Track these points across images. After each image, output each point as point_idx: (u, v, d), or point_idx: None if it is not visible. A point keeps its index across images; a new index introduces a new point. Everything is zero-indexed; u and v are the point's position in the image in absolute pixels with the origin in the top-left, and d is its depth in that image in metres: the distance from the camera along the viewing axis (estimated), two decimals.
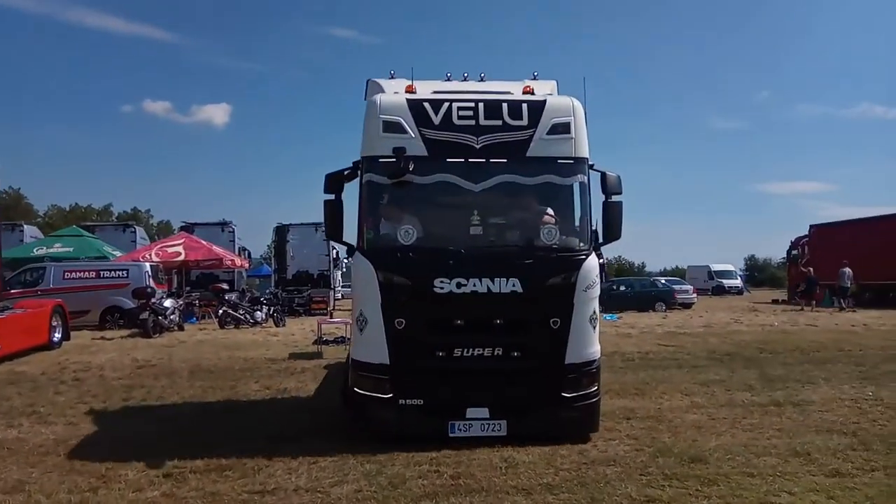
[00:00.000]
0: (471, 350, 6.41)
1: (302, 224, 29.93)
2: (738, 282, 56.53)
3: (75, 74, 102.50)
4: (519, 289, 6.38)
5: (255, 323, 21.79)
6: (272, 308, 23.13)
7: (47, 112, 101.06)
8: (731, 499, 5.10)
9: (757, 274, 79.70)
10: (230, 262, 25.36)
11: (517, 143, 6.63)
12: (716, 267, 56.40)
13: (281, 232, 30.16)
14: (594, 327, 6.66)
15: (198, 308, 24.26)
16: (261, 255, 44.37)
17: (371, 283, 6.43)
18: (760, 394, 9.36)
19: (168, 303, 19.88)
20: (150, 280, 21.01)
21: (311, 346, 15.32)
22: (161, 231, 60.88)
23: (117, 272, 21.30)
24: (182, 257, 23.31)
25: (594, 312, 6.66)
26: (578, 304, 6.52)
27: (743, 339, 16.57)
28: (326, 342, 15.25)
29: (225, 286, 23.83)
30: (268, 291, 27.60)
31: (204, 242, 24.89)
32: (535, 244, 6.73)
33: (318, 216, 31.92)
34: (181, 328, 20.20)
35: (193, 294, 24.85)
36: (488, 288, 6.37)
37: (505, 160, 6.63)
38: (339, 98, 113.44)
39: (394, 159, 6.46)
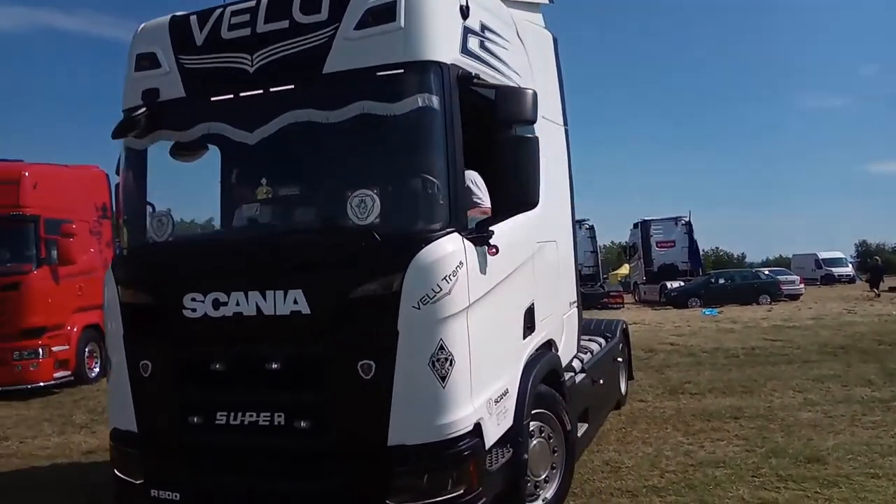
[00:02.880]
0: (237, 415, 3.74)
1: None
2: (849, 269, 52.80)
3: None
4: (303, 308, 3.56)
5: None
6: None
7: None
8: (854, 501, 4.79)
9: (869, 260, 74.34)
10: None
11: (310, 53, 3.73)
12: (823, 255, 52.75)
13: None
14: (450, 372, 3.45)
15: None
16: None
17: (113, 304, 4.17)
18: (881, 389, 8.71)
19: None
20: None
21: None
22: None
23: None
24: None
25: (453, 344, 3.48)
26: (408, 333, 3.42)
27: (858, 330, 15.48)
28: None
29: None
30: None
31: None
32: (336, 228, 3.77)
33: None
34: None
35: None
36: (258, 308, 3.65)
37: (292, 86, 3.87)
38: None
39: (143, 109, 4.11)
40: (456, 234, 3.55)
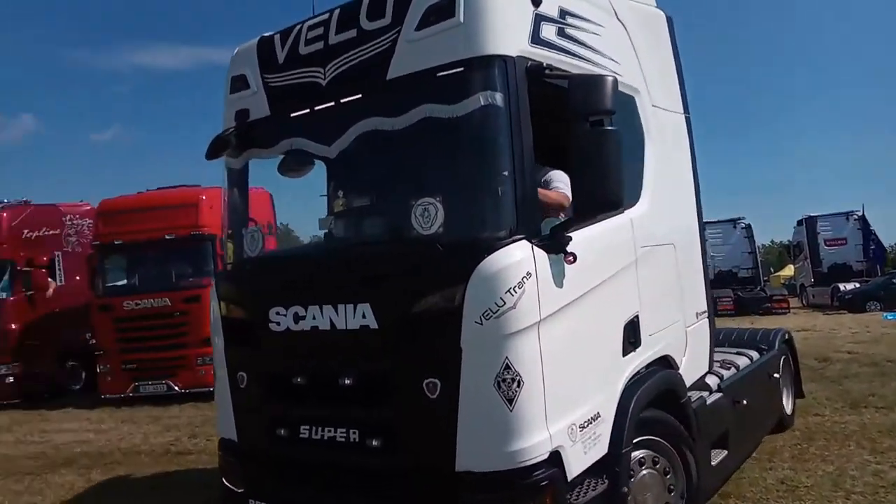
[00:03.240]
0: (318, 429, 3.70)
1: (720, 221, 28.42)
2: None
3: None
4: (371, 322, 3.45)
5: None
6: None
7: None
8: None
9: None
10: None
11: (374, 60, 3.63)
12: None
13: None
14: (517, 393, 3.14)
15: None
16: None
17: (215, 318, 4.30)
18: None
19: None
20: None
21: None
22: None
23: None
24: None
25: (520, 362, 3.16)
26: (471, 351, 3.18)
27: None
28: None
29: None
30: None
31: None
32: (400, 239, 3.68)
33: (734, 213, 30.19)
34: None
35: None
36: (331, 322, 3.60)
37: (359, 95, 3.76)
38: None
39: (232, 129, 4.28)
40: (524, 242, 3.23)
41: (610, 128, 3.34)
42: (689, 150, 5.12)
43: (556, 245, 3.33)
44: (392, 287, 3.42)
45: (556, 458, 3.22)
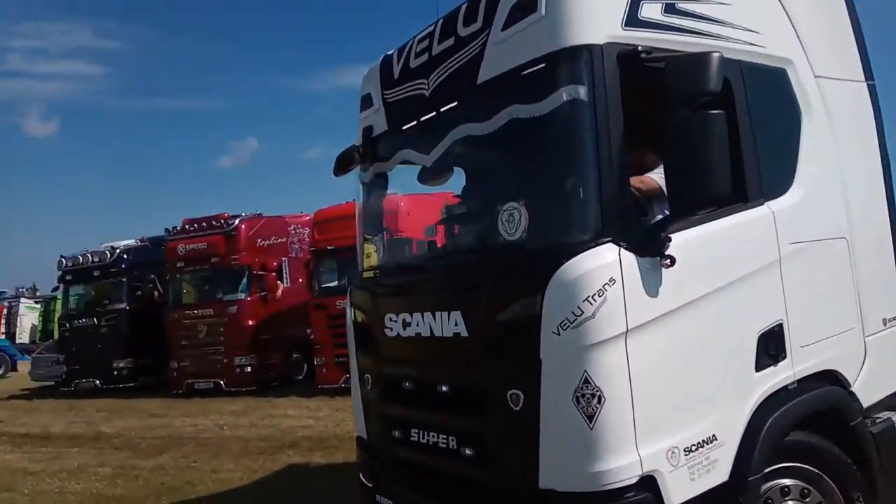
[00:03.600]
0: (425, 434, 3.74)
1: None
2: None
3: None
4: (462, 330, 3.42)
5: None
6: None
7: None
8: None
9: None
10: None
11: (467, 66, 3.58)
12: None
13: None
14: (598, 410, 2.91)
15: None
16: None
17: (349, 322, 4.57)
18: None
19: None
20: None
21: None
22: None
23: None
24: None
25: (601, 377, 2.93)
26: (550, 362, 3.01)
27: None
28: None
29: None
30: None
31: None
32: (488, 246, 3.68)
33: None
34: None
35: None
36: (430, 329, 3.61)
37: (455, 103, 3.73)
38: None
39: (353, 146, 4.53)
40: (610, 245, 2.97)
41: (714, 111, 2.99)
42: (874, 123, 4.38)
43: (650, 247, 3.02)
44: (480, 295, 3.37)
45: (649, 482, 2.96)
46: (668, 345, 3.07)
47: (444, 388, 3.58)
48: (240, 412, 12.49)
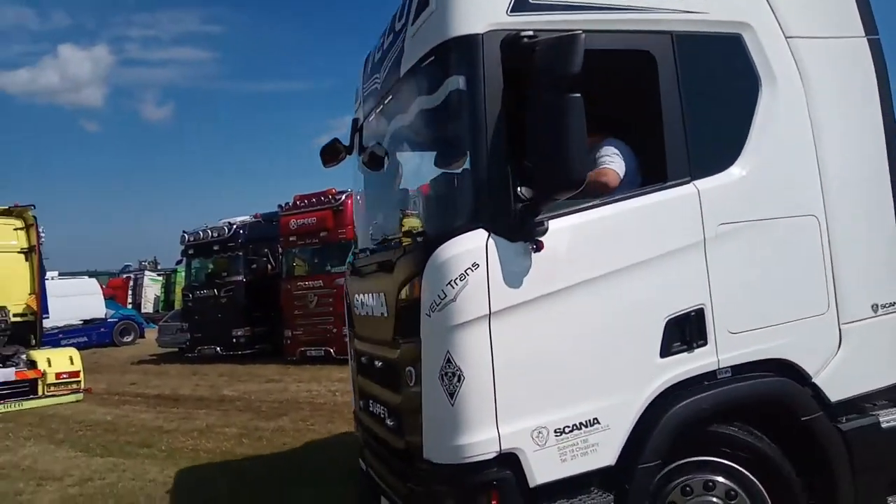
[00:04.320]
0: (372, 405, 4.06)
1: None
2: None
3: None
4: (384, 310, 3.67)
5: None
6: None
7: None
8: None
9: None
10: None
11: (396, 60, 3.71)
12: None
13: None
14: (458, 388, 2.99)
15: None
16: None
17: (346, 305, 4.85)
18: None
19: None
20: None
21: None
22: None
23: None
24: None
25: (461, 357, 3.00)
26: (425, 342, 3.15)
27: None
28: None
29: None
30: None
31: None
32: (402, 231, 3.82)
33: None
34: None
35: None
36: (371, 309, 3.90)
37: (390, 95, 3.94)
38: None
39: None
40: (480, 231, 3.02)
41: (570, 94, 2.86)
42: (874, 83, 3.83)
43: (521, 233, 3.02)
44: (391, 278, 3.51)
45: (510, 459, 3.00)
46: (540, 328, 3.07)
47: (377, 364, 3.87)
48: (348, 379, 12.90)
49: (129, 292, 36.91)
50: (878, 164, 3.80)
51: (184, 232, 19.25)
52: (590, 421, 3.11)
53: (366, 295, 3.97)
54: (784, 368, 3.49)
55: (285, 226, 16.34)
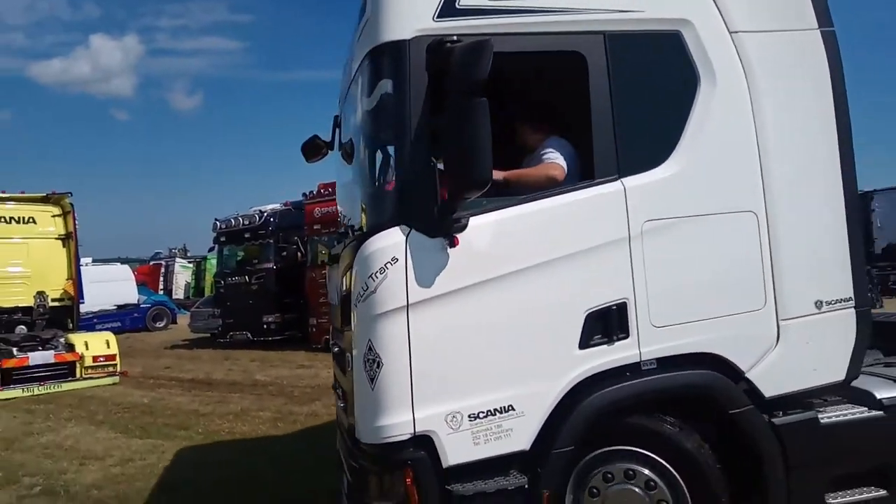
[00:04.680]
0: (336, 388, 4.51)
1: (891, 189, 25.88)
2: None
3: None
4: (336, 298, 4.15)
5: None
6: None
7: None
8: None
9: None
10: None
11: (350, 64, 4.02)
12: None
13: (863, 200, 26.71)
14: (377, 374, 3.21)
15: None
16: None
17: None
18: None
19: None
20: None
21: None
22: None
23: None
24: None
25: (380, 345, 3.22)
26: (354, 330, 3.40)
27: None
28: None
29: None
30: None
31: None
32: (350, 226, 4.26)
33: None
34: None
35: None
36: (331, 296, 4.40)
37: (347, 96, 4.20)
38: None
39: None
40: (402, 227, 3.23)
41: (477, 98, 2.99)
42: (827, 78, 3.71)
43: (439, 230, 3.18)
44: (337, 269, 3.86)
45: (424, 441, 3.19)
46: (457, 319, 3.24)
47: (335, 350, 4.22)
48: None
49: (161, 279, 37.55)
50: (828, 162, 3.73)
51: (216, 220, 19.50)
52: (504, 408, 3.27)
53: (329, 284, 4.32)
54: (715, 362, 3.51)
55: (310, 214, 16.47)
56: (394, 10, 3.31)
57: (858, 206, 3.87)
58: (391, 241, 3.22)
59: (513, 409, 3.27)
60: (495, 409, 3.26)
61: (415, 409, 3.19)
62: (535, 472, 3.27)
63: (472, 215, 3.20)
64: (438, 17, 3.29)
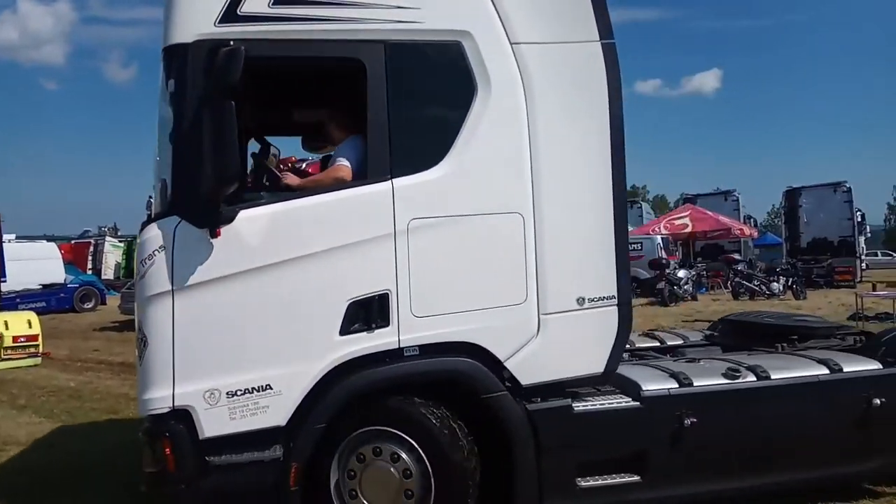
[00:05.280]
0: None
1: (817, 186, 27.14)
2: None
3: None
4: None
5: (772, 294, 20.79)
6: (790, 279, 21.65)
7: None
8: None
9: None
10: (739, 232, 24.77)
11: None
12: None
13: (792, 196, 27.95)
14: (144, 352, 3.56)
15: (706, 279, 24.43)
16: (761, 223, 42.13)
17: None
18: None
19: (681, 273, 20.69)
20: (662, 251, 22.16)
21: (846, 321, 13.83)
22: (657, 205, 62.98)
23: (633, 245, 23.07)
24: (689, 229, 23.92)
25: (146, 326, 3.55)
26: (135, 309, 3.73)
27: None
28: (866, 318, 13.54)
29: (736, 256, 23.51)
30: (784, 261, 25.92)
31: (710, 213, 24.97)
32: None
33: (838, 175, 28.85)
34: (694, 298, 20.71)
35: (702, 264, 25.13)
36: None
37: None
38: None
39: None
40: (172, 218, 3.52)
41: (225, 102, 3.30)
42: (605, 88, 3.91)
43: (205, 221, 3.42)
44: None
45: (183, 415, 3.48)
46: (219, 305, 3.52)
47: None
48: None
49: (90, 258, 35.95)
50: (600, 168, 3.93)
51: (150, 198, 18.68)
52: (262, 386, 3.53)
53: None
54: (474, 351, 3.74)
55: None
56: (179, 14, 3.55)
57: (626, 212, 4.13)
58: (160, 231, 3.51)
59: (270, 388, 3.54)
60: (253, 388, 3.52)
61: (175, 386, 3.47)
62: (285, 444, 3.55)
63: (243, 208, 3.48)
64: (220, 22, 3.51)
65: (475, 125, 3.71)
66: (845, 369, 4.45)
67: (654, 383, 4.17)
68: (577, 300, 3.91)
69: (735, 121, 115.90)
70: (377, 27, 3.64)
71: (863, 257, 29.71)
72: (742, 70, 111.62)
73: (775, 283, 21.30)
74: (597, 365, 3.99)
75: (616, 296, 3.97)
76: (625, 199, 4.07)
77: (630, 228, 26.79)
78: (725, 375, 4.30)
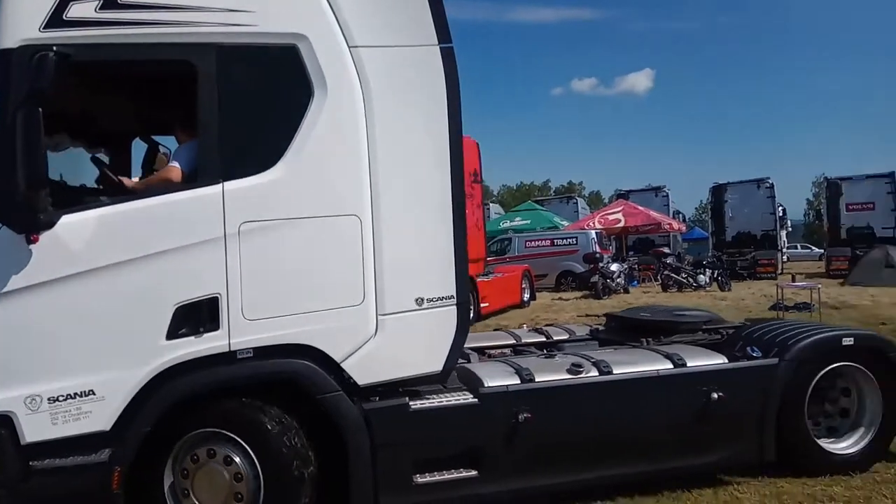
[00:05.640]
0: None
1: (742, 182, 28.18)
2: None
3: (511, 67, 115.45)
4: None
5: (699, 286, 21.43)
6: (715, 271, 22.38)
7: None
8: None
9: None
10: (668, 226, 25.46)
11: None
12: None
13: (718, 192, 28.93)
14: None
15: (637, 272, 25.02)
16: (690, 218, 43.51)
17: None
18: None
19: (614, 267, 21.10)
20: (596, 246, 22.56)
21: (767, 311, 14.36)
22: (592, 201, 64.44)
23: (568, 240, 23.60)
24: (622, 223, 24.45)
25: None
26: None
27: None
28: (786, 308, 14.10)
29: (666, 250, 24.16)
30: (710, 254, 26.81)
31: (641, 208, 25.60)
32: None
33: (759, 172, 29.98)
34: (626, 291, 21.16)
35: (633, 258, 25.72)
36: None
37: None
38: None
39: None
40: None
41: (32, 108, 3.26)
42: (443, 91, 3.95)
43: (23, 226, 3.36)
44: None
45: (4, 420, 3.44)
46: (39, 310, 3.45)
47: None
48: None
49: None
50: (438, 170, 3.97)
51: None
52: (85, 392, 3.49)
53: None
54: (310, 352, 3.74)
55: None
56: (5, 20, 3.44)
57: (465, 213, 4.15)
58: None
59: (94, 393, 3.49)
60: (75, 394, 3.48)
61: None
62: (112, 447, 3.50)
63: (69, 213, 3.43)
64: (45, 27, 3.42)
65: (311, 128, 3.69)
66: (689, 364, 4.56)
67: (497, 380, 4.21)
68: (416, 300, 3.93)
69: (666, 119, 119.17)
70: (208, 30, 3.60)
71: (784, 250, 31.12)
72: (673, 70, 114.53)
73: (702, 276, 21.96)
74: (435, 363, 4.01)
75: (455, 295, 4.00)
76: (463, 200, 4.09)
77: (566, 223, 27.74)
78: (569, 371, 4.37)
